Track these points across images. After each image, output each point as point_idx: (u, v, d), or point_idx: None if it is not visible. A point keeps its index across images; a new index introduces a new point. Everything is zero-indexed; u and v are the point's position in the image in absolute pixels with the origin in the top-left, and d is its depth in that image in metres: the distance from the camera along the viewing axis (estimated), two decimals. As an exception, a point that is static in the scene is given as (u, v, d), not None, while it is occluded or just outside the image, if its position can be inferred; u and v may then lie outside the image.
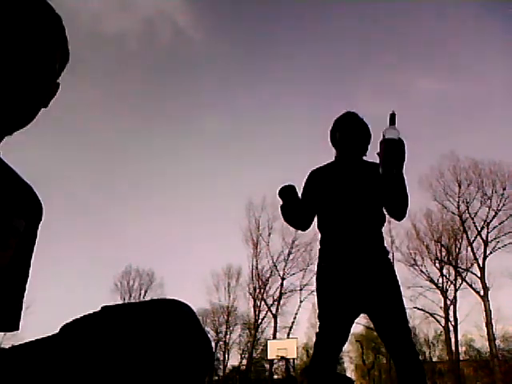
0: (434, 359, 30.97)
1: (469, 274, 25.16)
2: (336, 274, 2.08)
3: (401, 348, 1.96)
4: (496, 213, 24.94)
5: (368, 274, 2.04)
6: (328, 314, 2.06)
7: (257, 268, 29.87)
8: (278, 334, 27.87)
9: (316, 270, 2.19)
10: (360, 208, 2.12)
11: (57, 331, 0.67)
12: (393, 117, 1.96)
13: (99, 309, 0.59)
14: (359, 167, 2.23)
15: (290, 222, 2.25)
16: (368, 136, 2.27)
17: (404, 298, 2.09)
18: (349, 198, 2.14)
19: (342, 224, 2.13)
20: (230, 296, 31.75)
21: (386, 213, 2.20)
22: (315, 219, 2.28)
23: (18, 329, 0.71)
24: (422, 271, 26.98)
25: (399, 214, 2.14)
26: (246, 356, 31.08)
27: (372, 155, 2.21)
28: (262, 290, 29.49)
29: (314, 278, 2.21)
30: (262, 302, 29.34)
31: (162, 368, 0.53)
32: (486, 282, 23.82)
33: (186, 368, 0.54)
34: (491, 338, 22.89)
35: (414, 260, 27.15)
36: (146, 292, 32.80)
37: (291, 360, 23.18)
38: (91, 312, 0.60)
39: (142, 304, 0.56)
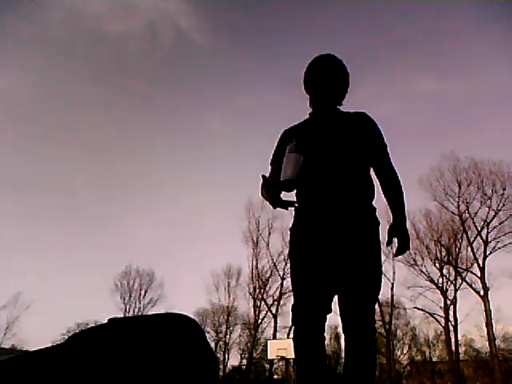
0: (434, 359, 31.04)
1: (469, 273, 25.18)
2: (310, 237, 1.84)
3: (357, 321, 1.73)
4: (496, 213, 24.94)
5: (343, 238, 1.78)
6: (301, 279, 1.80)
7: (257, 268, 29.90)
8: (277, 333, 27.88)
9: (289, 234, 1.96)
10: (339, 164, 1.87)
11: (63, 341, 0.68)
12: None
13: (106, 321, 0.60)
14: (337, 120, 1.99)
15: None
16: (346, 82, 2.04)
17: (382, 270, 1.85)
18: (326, 154, 1.89)
19: (319, 182, 1.87)
20: (230, 296, 31.81)
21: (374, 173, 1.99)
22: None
23: None
24: (421, 271, 27.02)
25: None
26: (246, 356, 31.12)
27: (350, 104, 2.08)
28: (262, 290, 29.50)
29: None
30: (262, 302, 29.35)
31: (167, 380, 0.54)
32: (486, 282, 23.83)
33: (191, 380, 0.55)
34: (491, 337, 22.87)
35: (414, 260, 27.17)
36: (146, 292, 32.84)
37: (291, 360, 23.17)
38: (98, 324, 0.61)
39: (148, 318, 0.57)
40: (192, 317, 0.64)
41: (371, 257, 1.79)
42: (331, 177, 1.85)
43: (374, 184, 1.95)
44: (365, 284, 1.75)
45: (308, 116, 2.09)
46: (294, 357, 1.78)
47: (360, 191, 1.87)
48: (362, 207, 1.86)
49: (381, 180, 1.96)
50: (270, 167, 2.09)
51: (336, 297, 1.81)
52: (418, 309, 27.07)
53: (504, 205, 24.74)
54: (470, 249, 25.34)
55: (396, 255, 1.88)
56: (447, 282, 26.48)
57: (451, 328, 25.45)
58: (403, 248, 1.86)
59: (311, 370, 1.69)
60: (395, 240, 1.91)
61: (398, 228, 1.86)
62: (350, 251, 1.77)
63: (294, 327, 1.79)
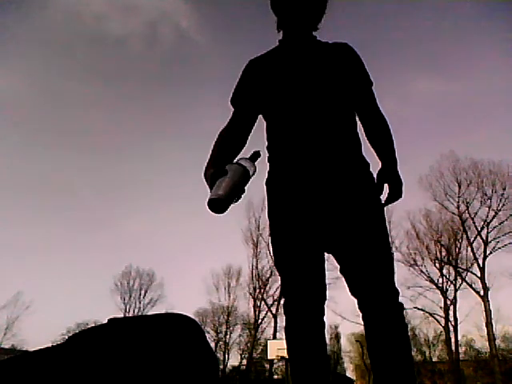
0: (434, 359, 31.00)
1: (469, 273, 25.20)
2: (289, 192, 1.49)
3: (375, 290, 1.37)
4: (496, 213, 24.94)
5: (333, 190, 1.45)
6: (285, 248, 1.47)
7: (257, 268, 29.88)
8: (277, 334, 27.86)
9: (265, 189, 1.61)
10: (320, 103, 1.52)
11: (63, 341, 0.67)
12: (255, 155, 1.52)
13: (106, 321, 0.60)
14: (314, 49, 1.63)
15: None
16: (323, 2, 1.64)
17: (395, 262, 1.51)
18: (304, 91, 1.53)
19: (296, 124, 1.52)
20: (229, 296, 31.79)
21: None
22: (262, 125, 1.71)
23: None
24: (421, 271, 27.01)
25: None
26: (246, 356, 31.11)
27: (325, 33, 1.71)
28: (262, 290, 29.50)
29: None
30: (262, 302, 29.36)
31: (167, 380, 0.54)
32: (486, 282, 23.84)
33: (191, 381, 0.55)
34: (491, 338, 22.87)
35: (414, 260, 27.17)
36: (146, 292, 32.85)
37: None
38: (98, 324, 0.61)
39: (148, 318, 0.57)
40: (192, 317, 0.64)
41: (371, 206, 1.47)
42: (312, 118, 1.50)
43: (358, 133, 1.63)
44: (373, 236, 1.41)
45: (278, 43, 1.71)
46: (287, 355, 1.44)
47: (348, 136, 1.54)
48: (352, 155, 1.53)
49: (366, 124, 1.63)
50: (230, 106, 1.73)
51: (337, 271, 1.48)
52: (418, 309, 27.09)
53: (504, 205, 24.79)
54: (470, 249, 25.36)
55: (387, 203, 1.55)
56: (447, 282, 26.52)
57: (451, 328, 25.49)
58: (395, 194, 1.54)
59: (309, 369, 1.35)
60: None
61: (389, 171, 1.55)
62: (346, 202, 1.44)
63: (285, 315, 1.45)
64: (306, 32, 1.64)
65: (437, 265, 26.84)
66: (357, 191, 1.46)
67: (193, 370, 0.55)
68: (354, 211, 1.43)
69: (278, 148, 1.58)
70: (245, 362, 31.18)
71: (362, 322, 1.41)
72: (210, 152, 1.60)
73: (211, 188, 1.39)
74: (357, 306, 1.43)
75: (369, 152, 1.63)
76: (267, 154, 1.64)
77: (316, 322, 1.40)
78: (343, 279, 1.48)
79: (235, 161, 1.46)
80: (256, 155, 1.51)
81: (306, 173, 1.48)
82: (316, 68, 1.57)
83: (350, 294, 1.45)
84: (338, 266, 1.49)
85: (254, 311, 29.39)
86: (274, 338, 26.26)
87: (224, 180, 1.36)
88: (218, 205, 1.32)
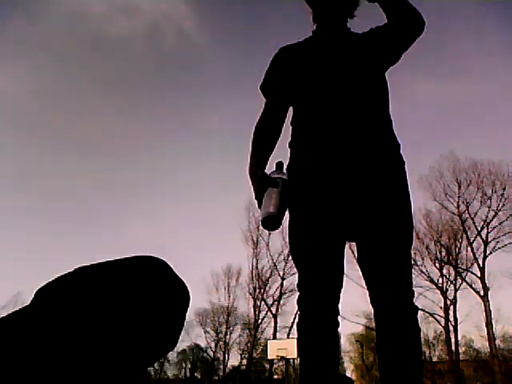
0: (434, 359, 30.94)
1: (469, 273, 25.17)
2: (314, 177, 1.45)
3: (391, 290, 1.34)
4: (496, 213, 24.90)
5: (362, 174, 1.41)
6: (306, 237, 1.41)
7: (257, 268, 29.87)
8: (278, 333, 27.86)
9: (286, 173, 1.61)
10: (352, 88, 1.50)
11: (33, 297, 0.67)
12: (281, 165, 1.56)
13: (73, 269, 0.60)
14: (348, 39, 1.63)
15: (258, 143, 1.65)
16: None
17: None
18: (336, 78, 1.52)
19: (326, 112, 1.49)
20: (229, 296, 31.76)
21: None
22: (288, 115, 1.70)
23: None
24: (422, 271, 26.95)
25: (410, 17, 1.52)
26: (246, 356, 31.07)
27: (359, 23, 1.71)
28: (262, 290, 29.48)
29: None
30: (262, 302, 29.34)
31: (143, 315, 0.54)
32: (486, 282, 23.80)
33: (166, 309, 0.54)
34: (491, 337, 22.83)
35: (414, 260, 27.08)
36: (145, 292, 32.80)
37: (291, 360, 23.17)
38: (65, 273, 0.60)
39: (116, 262, 0.57)
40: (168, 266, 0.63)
41: (399, 197, 1.43)
42: (343, 106, 1.48)
43: (391, 120, 1.58)
44: (397, 229, 1.37)
45: (311, 34, 1.71)
46: (297, 351, 1.42)
47: (379, 122, 1.51)
48: (382, 140, 1.48)
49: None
50: (261, 94, 1.73)
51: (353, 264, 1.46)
52: (418, 309, 27.01)
53: (504, 205, 24.74)
54: (469, 249, 25.33)
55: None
56: (447, 282, 26.47)
57: (451, 328, 25.43)
58: None
59: (319, 368, 1.31)
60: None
61: None
62: (371, 191, 1.39)
63: (299, 310, 1.40)
64: (342, 22, 1.65)
65: (437, 265, 26.83)
66: (386, 176, 1.43)
67: (164, 304, 0.55)
68: (384, 197, 1.39)
69: (305, 136, 1.54)
70: (245, 361, 31.15)
71: (373, 318, 1.39)
72: (251, 147, 1.64)
73: (259, 198, 1.46)
74: (369, 299, 1.39)
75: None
76: (289, 149, 1.62)
77: (331, 321, 1.36)
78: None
79: (273, 176, 1.49)
80: (281, 165, 1.56)
81: (334, 158, 1.44)
82: (348, 58, 1.57)
83: (364, 285, 1.41)
84: (357, 255, 1.46)
85: (254, 311, 29.38)
86: (274, 337, 26.25)
87: (272, 197, 1.42)
88: (272, 222, 1.39)
